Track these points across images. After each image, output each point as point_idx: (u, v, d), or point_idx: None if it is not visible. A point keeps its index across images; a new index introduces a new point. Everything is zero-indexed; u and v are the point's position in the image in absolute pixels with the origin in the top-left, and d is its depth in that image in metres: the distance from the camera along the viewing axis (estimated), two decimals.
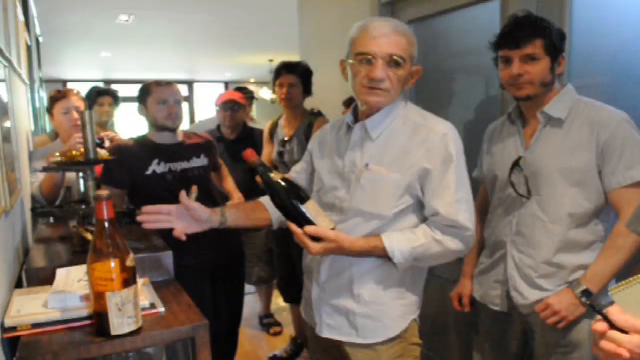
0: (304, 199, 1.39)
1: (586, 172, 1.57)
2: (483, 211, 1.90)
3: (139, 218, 1.45)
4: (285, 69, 2.87)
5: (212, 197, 2.49)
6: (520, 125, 1.73)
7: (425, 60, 2.72)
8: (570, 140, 1.60)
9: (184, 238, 1.47)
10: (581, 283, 1.57)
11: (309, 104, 3.00)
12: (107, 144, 2.66)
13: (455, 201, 1.42)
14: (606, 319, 0.76)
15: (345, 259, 1.49)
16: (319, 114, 2.88)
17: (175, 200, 2.18)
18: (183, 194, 1.47)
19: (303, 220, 1.38)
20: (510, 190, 1.71)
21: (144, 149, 2.34)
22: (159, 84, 2.37)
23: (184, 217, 1.49)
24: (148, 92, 2.35)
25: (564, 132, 1.61)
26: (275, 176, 1.42)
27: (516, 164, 1.69)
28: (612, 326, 0.76)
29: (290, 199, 1.39)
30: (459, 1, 2.36)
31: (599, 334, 0.77)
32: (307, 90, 2.90)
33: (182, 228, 1.47)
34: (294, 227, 1.38)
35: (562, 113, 1.62)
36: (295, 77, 2.85)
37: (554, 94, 1.65)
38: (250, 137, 3.33)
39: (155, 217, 1.46)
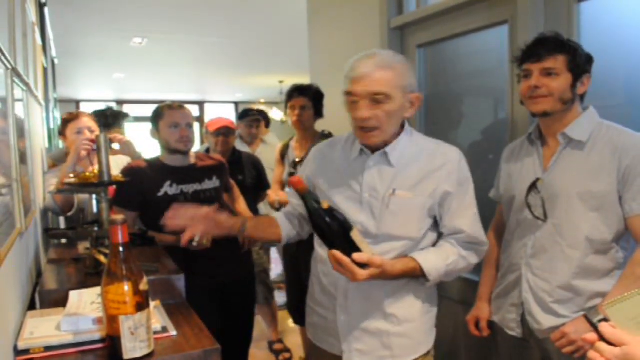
0: (351, 227, 1.39)
1: (606, 197, 1.54)
2: (499, 232, 1.88)
3: (167, 217, 1.52)
4: (297, 92, 2.90)
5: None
6: (540, 145, 1.70)
7: (435, 83, 2.75)
8: (591, 163, 1.56)
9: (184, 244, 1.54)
10: (598, 312, 1.50)
11: (320, 125, 3.02)
12: (115, 146, 2.68)
13: (475, 220, 1.56)
14: (597, 330, 0.82)
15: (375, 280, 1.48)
16: (329, 136, 2.89)
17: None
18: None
19: (351, 249, 1.38)
20: (526, 212, 1.68)
21: (156, 170, 2.36)
22: (170, 107, 2.39)
23: (206, 220, 1.57)
24: (160, 115, 2.37)
25: (585, 155, 1.58)
26: (325, 204, 1.40)
27: (533, 186, 1.66)
28: (602, 338, 0.81)
29: (341, 228, 1.38)
30: (468, 25, 2.38)
31: (589, 344, 0.83)
32: (319, 112, 2.93)
33: (203, 230, 1.55)
34: (339, 255, 1.37)
35: (583, 135, 1.58)
36: (306, 99, 2.87)
37: (576, 115, 1.62)
38: (239, 162, 3.35)
39: (180, 214, 1.54)
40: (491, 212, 1.97)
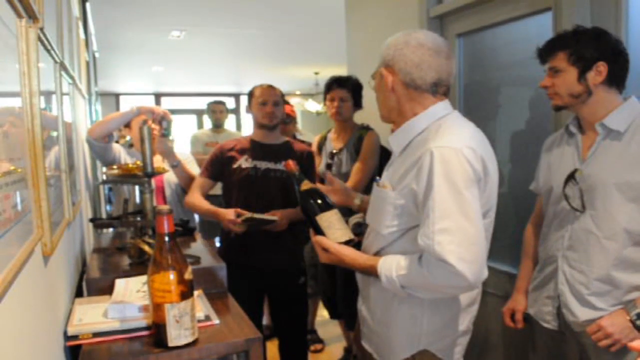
0: (323, 209, 1.48)
1: None
2: (538, 224, 1.86)
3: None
4: (336, 83, 2.88)
5: (289, 206, 2.42)
6: (579, 136, 1.67)
7: (475, 73, 2.70)
8: (630, 153, 1.53)
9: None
10: (637, 305, 1.50)
11: (358, 117, 3.00)
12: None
13: (434, 231, 1.23)
14: None
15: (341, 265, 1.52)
16: (368, 128, 2.88)
17: (249, 194, 2.35)
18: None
19: (317, 231, 1.49)
20: (563, 203, 1.66)
21: (243, 145, 2.54)
22: (261, 86, 2.59)
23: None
24: (252, 94, 2.58)
25: (623, 145, 1.55)
26: (304, 186, 1.51)
27: (571, 177, 1.64)
28: None
29: (308, 208, 1.49)
30: (510, 13, 2.32)
31: (636, 351, 0.80)
32: (358, 104, 2.91)
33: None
34: (311, 234, 1.50)
35: (621, 125, 1.56)
36: (345, 91, 2.85)
37: (615, 105, 1.58)
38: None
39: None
40: (531, 205, 1.93)
